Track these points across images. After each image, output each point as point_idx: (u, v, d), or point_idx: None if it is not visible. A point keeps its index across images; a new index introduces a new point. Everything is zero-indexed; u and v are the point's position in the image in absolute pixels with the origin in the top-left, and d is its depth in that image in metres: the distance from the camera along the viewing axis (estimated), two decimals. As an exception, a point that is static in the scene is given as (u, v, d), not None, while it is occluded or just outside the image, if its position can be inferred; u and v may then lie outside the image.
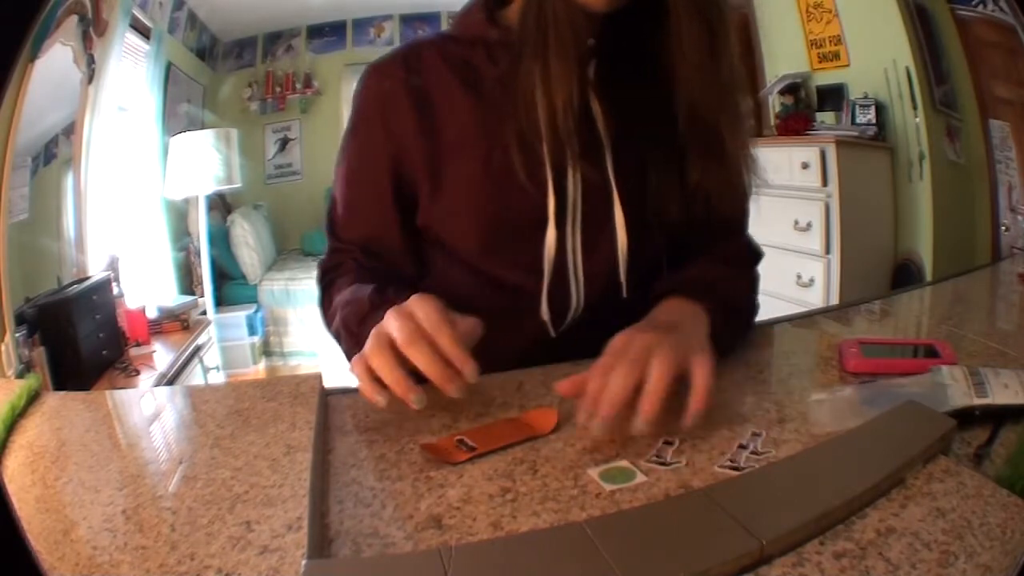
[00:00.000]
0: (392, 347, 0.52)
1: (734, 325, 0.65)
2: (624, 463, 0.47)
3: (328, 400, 0.60)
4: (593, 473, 0.46)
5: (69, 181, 1.41)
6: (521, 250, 0.66)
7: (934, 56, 1.52)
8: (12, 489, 0.46)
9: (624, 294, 0.67)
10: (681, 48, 0.60)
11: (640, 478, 0.46)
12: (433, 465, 0.49)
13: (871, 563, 0.36)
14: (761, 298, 0.72)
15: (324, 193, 2.68)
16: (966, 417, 0.50)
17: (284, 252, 3.07)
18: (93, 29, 1.45)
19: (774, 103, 2.17)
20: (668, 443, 0.49)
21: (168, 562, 0.39)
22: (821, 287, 2.05)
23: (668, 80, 0.62)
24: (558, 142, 0.62)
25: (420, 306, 0.54)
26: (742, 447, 0.48)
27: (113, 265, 1.53)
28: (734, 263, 0.70)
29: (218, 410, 0.60)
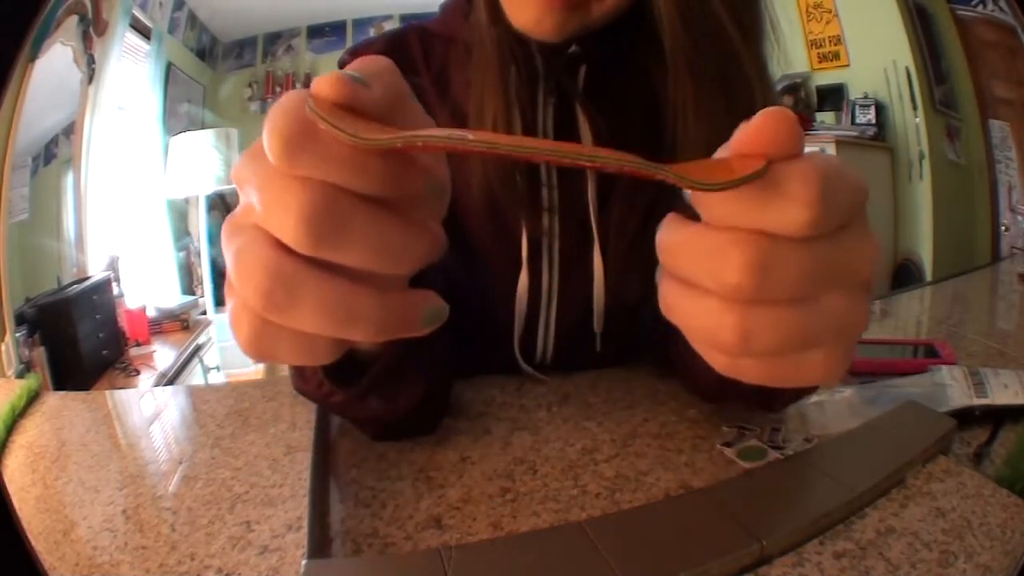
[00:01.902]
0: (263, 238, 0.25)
1: None
2: (756, 442, 0.48)
3: (328, 400, 0.60)
4: (730, 453, 0.48)
5: (69, 181, 1.41)
6: (499, 286, 0.59)
7: (934, 56, 1.52)
8: (12, 489, 0.46)
9: (597, 347, 0.61)
10: (678, 91, 0.50)
11: (772, 455, 0.47)
12: (433, 465, 0.48)
13: (871, 563, 0.36)
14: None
15: (324, 193, 2.66)
16: (966, 417, 0.50)
17: (284, 252, 3.05)
18: (93, 29, 1.45)
19: (774, 103, 2.15)
20: (776, 429, 0.50)
21: (168, 562, 0.39)
22: (821, 287, 2.03)
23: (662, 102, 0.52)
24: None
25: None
26: (740, 444, 0.49)
27: (113, 265, 1.53)
28: None
29: (218, 410, 0.60)
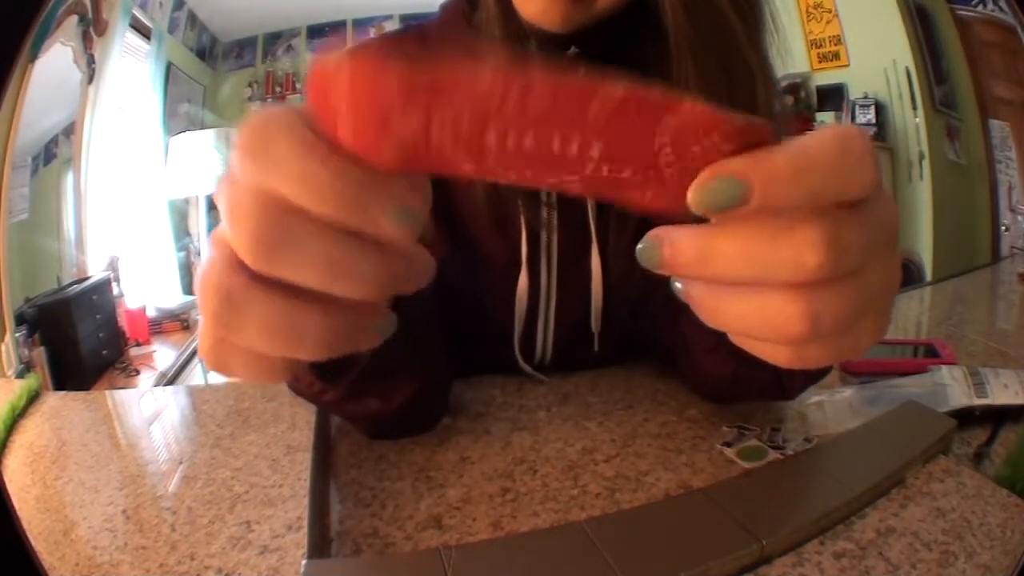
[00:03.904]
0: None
1: None
2: (756, 442, 0.49)
3: (328, 400, 0.60)
4: (730, 453, 0.48)
5: (69, 181, 1.41)
6: (498, 286, 0.59)
7: (934, 56, 1.52)
8: (12, 489, 0.46)
9: (595, 347, 0.61)
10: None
11: (772, 455, 0.47)
12: (433, 465, 0.48)
13: (871, 563, 0.36)
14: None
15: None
16: (966, 417, 0.50)
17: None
18: (93, 29, 1.45)
19: (774, 103, 2.16)
20: (775, 429, 0.50)
21: (168, 562, 0.39)
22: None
23: None
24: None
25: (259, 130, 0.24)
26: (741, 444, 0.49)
27: (113, 265, 1.53)
28: None
29: (218, 410, 0.60)
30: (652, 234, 0.23)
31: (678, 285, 0.25)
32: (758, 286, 0.23)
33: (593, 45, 0.54)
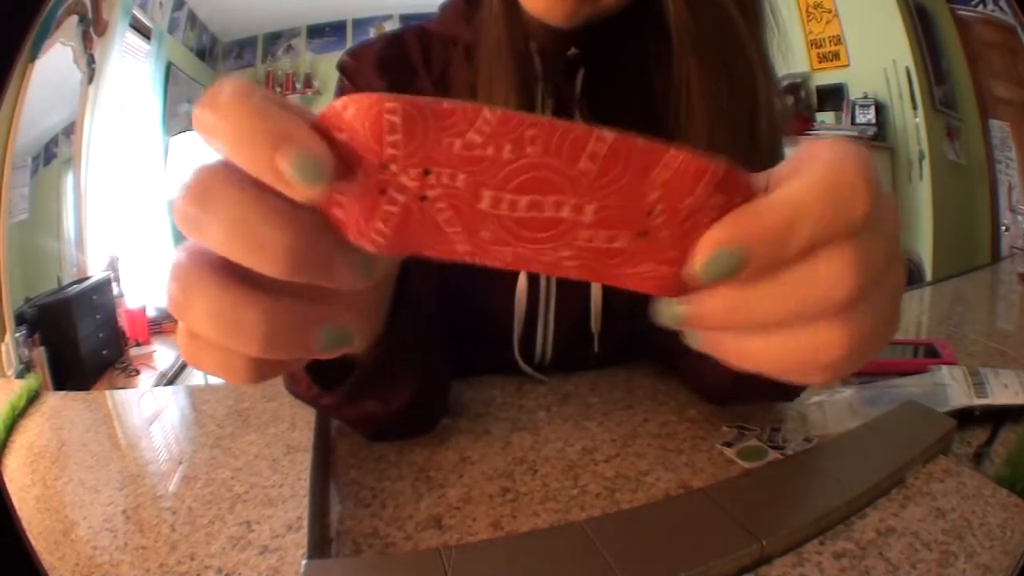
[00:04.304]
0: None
1: None
2: (756, 442, 0.49)
3: (328, 400, 0.60)
4: (730, 453, 0.48)
5: (69, 181, 1.41)
6: (496, 286, 0.59)
7: (934, 56, 1.51)
8: (12, 489, 0.46)
9: (595, 347, 0.60)
10: (689, 95, 0.48)
11: (772, 455, 0.47)
12: (433, 465, 0.48)
13: (871, 563, 0.36)
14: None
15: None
16: (966, 417, 0.50)
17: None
18: (93, 29, 1.45)
19: (774, 103, 2.16)
20: (775, 429, 0.50)
21: (168, 562, 0.39)
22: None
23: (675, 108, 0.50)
24: None
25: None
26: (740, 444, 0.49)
27: (113, 265, 1.53)
28: None
29: (218, 410, 0.60)
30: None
31: (698, 336, 0.24)
32: (790, 322, 0.22)
33: (593, 45, 0.55)
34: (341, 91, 0.62)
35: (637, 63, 0.54)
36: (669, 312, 0.23)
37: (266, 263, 0.21)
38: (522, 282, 0.58)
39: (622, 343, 0.62)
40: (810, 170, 0.21)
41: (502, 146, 0.19)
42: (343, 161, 0.20)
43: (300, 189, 0.20)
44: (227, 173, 0.21)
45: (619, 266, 0.21)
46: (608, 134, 0.20)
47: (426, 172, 0.20)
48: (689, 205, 0.20)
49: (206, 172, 0.21)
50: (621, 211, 0.20)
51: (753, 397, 0.54)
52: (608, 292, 0.58)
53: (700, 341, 0.24)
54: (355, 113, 0.19)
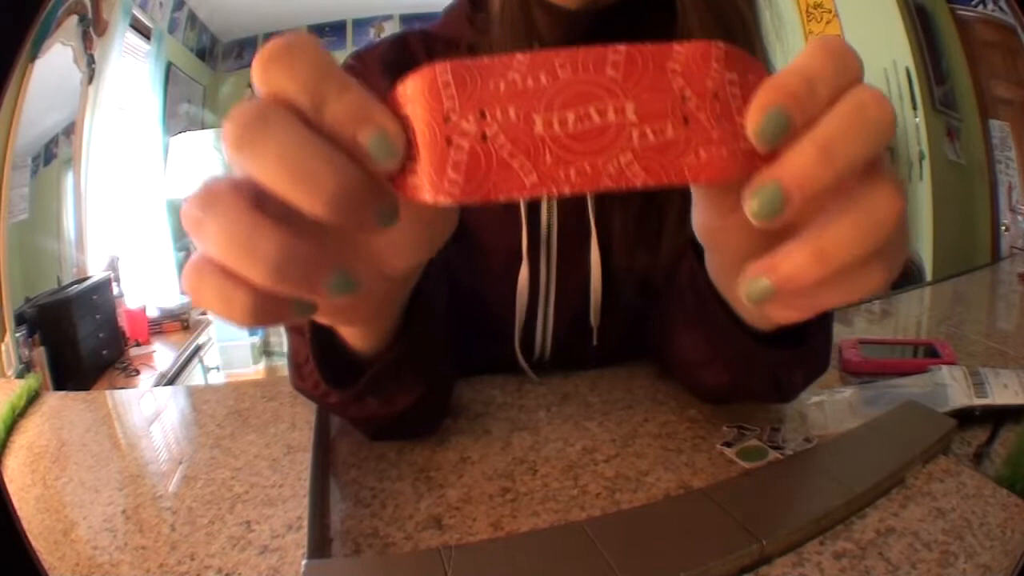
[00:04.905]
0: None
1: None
2: (756, 442, 0.49)
3: (328, 400, 0.60)
4: (730, 453, 0.48)
5: (69, 181, 1.41)
6: (496, 279, 0.59)
7: (934, 56, 1.51)
8: (12, 489, 0.47)
9: (595, 341, 0.61)
10: None
11: (772, 455, 0.47)
12: (433, 465, 0.48)
13: (871, 563, 0.36)
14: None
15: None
16: (966, 417, 0.50)
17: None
18: (93, 29, 1.45)
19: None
20: (775, 429, 0.51)
21: (168, 562, 0.39)
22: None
23: None
24: None
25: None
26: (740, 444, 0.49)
27: (113, 265, 1.53)
28: None
29: (218, 410, 0.60)
30: (750, 271, 0.24)
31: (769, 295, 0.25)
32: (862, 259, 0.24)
33: (599, 35, 0.55)
34: None
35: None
36: (757, 289, 0.24)
37: (310, 197, 0.22)
38: (523, 275, 0.58)
39: (622, 340, 0.62)
40: (801, 53, 0.24)
41: (539, 76, 0.22)
42: (411, 135, 0.23)
43: (379, 164, 0.23)
44: (284, 108, 0.22)
45: (677, 158, 0.22)
46: (621, 46, 0.22)
47: (482, 114, 0.22)
48: (712, 85, 0.22)
49: (265, 103, 0.22)
50: (657, 103, 0.22)
51: (747, 399, 0.54)
52: (608, 287, 0.59)
53: (781, 304, 0.26)
54: (415, 84, 0.22)
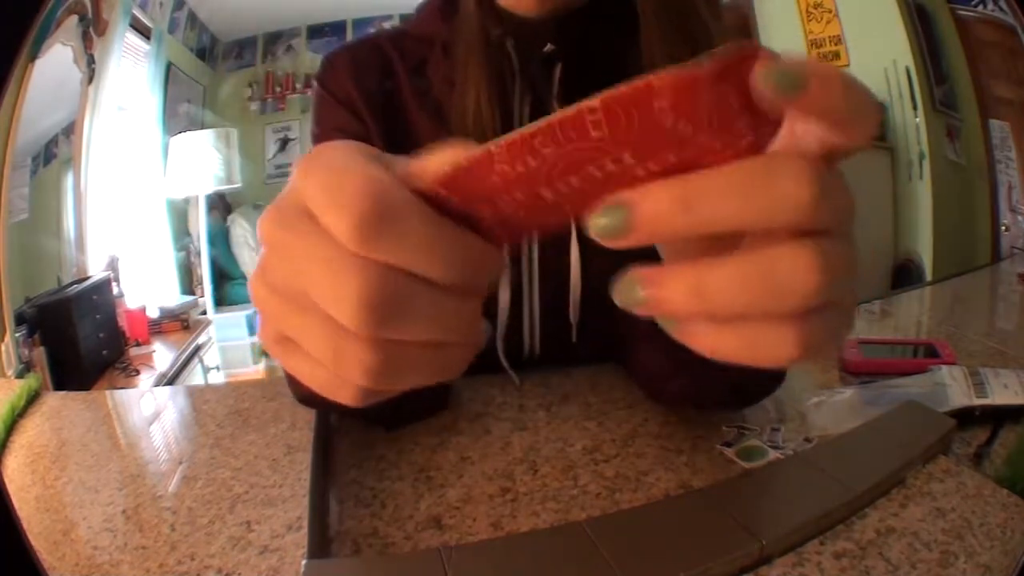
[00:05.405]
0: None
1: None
2: (756, 442, 0.49)
3: (328, 400, 0.60)
4: (730, 453, 0.48)
5: (69, 181, 1.41)
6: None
7: (934, 56, 1.51)
8: (12, 489, 0.47)
9: (573, 338, 0.61)
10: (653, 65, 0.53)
11: (772, 455, 0.47)
12: (433, 465, 0.48)
13: (871, 563, 0.36)
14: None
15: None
16: (966, 417, 0.50)
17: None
18: (93, 29, 1.45)
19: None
20: (775, 429, 0.51)
21: (168, 562, 0.39)
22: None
23: None
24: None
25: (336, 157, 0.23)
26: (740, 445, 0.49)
27: (113, 265, 1.53)
28: None
29: (218, 410, 0.60)
30: (629, 275, 0.23)
31: (669, 324, 0.24)
32: (750, 316, 0.22)
33: (568, 41, 0.56)
34: (318, 101, 0.63)
35: (611, 56, 0.56)
36: (631, 296, 0.23)
37: (456, 271, 0.22)
38: (504, 273, 0.59)
39: (605, 336, 0.62)
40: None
41: (525, 160, 0.22)
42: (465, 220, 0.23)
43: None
44: (412, 197, 0.22)
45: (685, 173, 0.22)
46: (594, 102, 0.21)
47: (492, 204, 0.23)
48: (706, 111, 0.21)
49: (391, 195, 0.21)
50: (654, 142, 0.21)
51: (710, 409, 0.54)
52: (587, 283, 0.59)
53: (673, 328, 0.24)
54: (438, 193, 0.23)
